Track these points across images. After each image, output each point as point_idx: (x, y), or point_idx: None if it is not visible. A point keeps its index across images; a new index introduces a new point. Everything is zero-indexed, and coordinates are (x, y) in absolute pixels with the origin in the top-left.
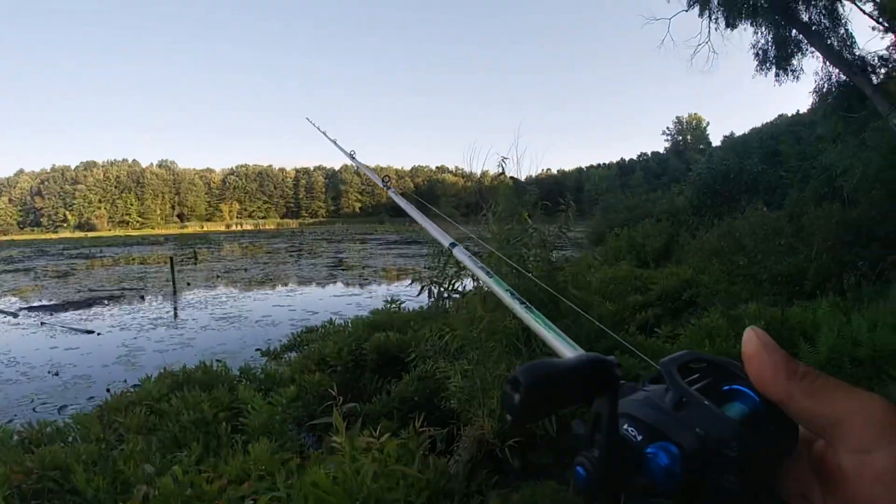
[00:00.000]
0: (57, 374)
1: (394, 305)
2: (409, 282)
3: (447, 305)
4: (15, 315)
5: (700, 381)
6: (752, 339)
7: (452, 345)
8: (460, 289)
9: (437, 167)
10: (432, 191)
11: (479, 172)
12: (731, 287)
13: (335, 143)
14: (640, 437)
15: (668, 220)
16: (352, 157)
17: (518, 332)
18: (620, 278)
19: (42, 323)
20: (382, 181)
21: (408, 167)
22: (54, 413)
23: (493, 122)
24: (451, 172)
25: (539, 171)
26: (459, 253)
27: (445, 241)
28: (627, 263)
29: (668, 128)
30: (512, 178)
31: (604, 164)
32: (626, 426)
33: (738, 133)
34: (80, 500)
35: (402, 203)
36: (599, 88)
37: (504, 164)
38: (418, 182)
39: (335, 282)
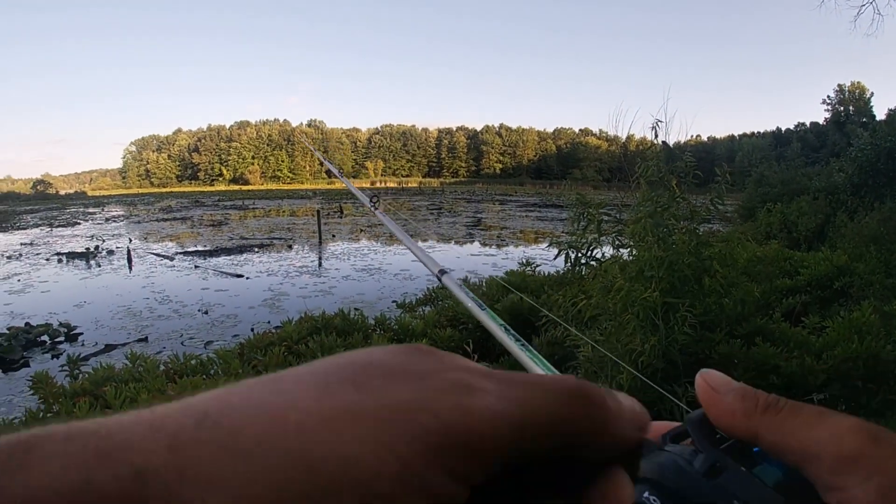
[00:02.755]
0: (206, 313)
1: (529, 268)
2: (546, 245)
3: (583, 272)
4: (171, 258)
5: (727, 439)
6: (700, 383)
7: (586, 313)
8: (599, 256)
9: (580, 129)
10: (574, 154)
11: (624, 136)
12: (888, 280)
13: (324, 160)
14: None
15: (825, 198)
16: (339, 174)
17: (657, 306)
18: (769, 259)
19: (196, 266)
20: (370, 201)
21: (550, 129)
22: (200, 348)
23: (640, 84)
24: (594, 135)
25: (688, 137)
26: (448, 281)
27: (434, 267)
28: (777, 243)
29: (828, 97)
30: (664, 142)
31: (758, 132)
32: (646, 494)
33: None
34: None
35: (391, 225)
36: (755, 50)
37: (657, 127)
38: (560, 144)
39: (473, 241)
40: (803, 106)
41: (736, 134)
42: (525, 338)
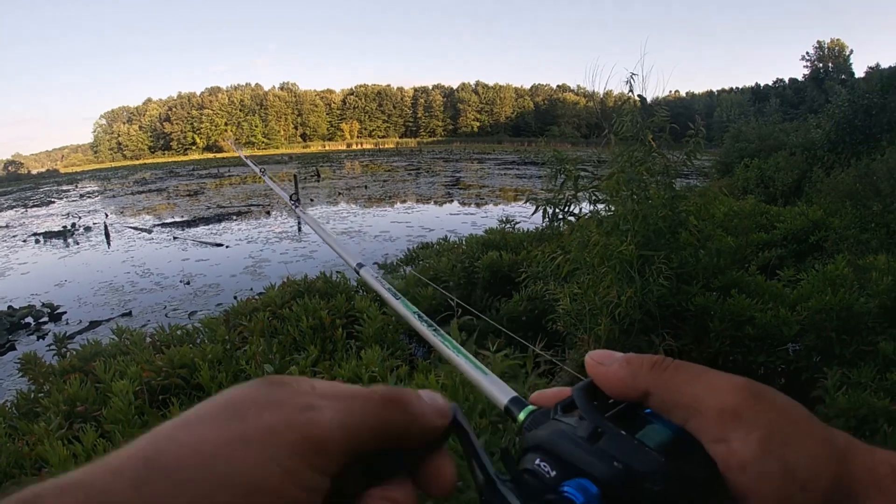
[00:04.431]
0: (188, 284)
1: (508, 225)
2: (525, 202)
3: (561, 228)
4: (149, 231)
5: (617, 405)
6: (588, 361)
7: (564, 268)
8: (576, 212)
9: (557, 86)
10: (552, 110)
11: (601, 92)
12: (862, 235)
13: (245, 159)
14: (553, 473)
15: (802, 154)
16: (262, 172)
17: (633, 259)
18: (746, 213)
19: (174, 238)
20: (290, 198)
21: (527, 86)
22: (184, 318)
23: (620, 40)
24: (572, 91)
25: (666, 93)
26: (366, 274)
27: (353, 260)
28: (754, 198)
29: (807, 53)
30: (640, 97)
31: (736, 88)
32: (537, 461)
33: (885, 65)
34: (204, 395)
35: (311, 223)
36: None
37: (632, 81)
38: (538, 101)
39: (451, 200)
40: (782, 63)
41: (714, 90)
42: (506, 294)
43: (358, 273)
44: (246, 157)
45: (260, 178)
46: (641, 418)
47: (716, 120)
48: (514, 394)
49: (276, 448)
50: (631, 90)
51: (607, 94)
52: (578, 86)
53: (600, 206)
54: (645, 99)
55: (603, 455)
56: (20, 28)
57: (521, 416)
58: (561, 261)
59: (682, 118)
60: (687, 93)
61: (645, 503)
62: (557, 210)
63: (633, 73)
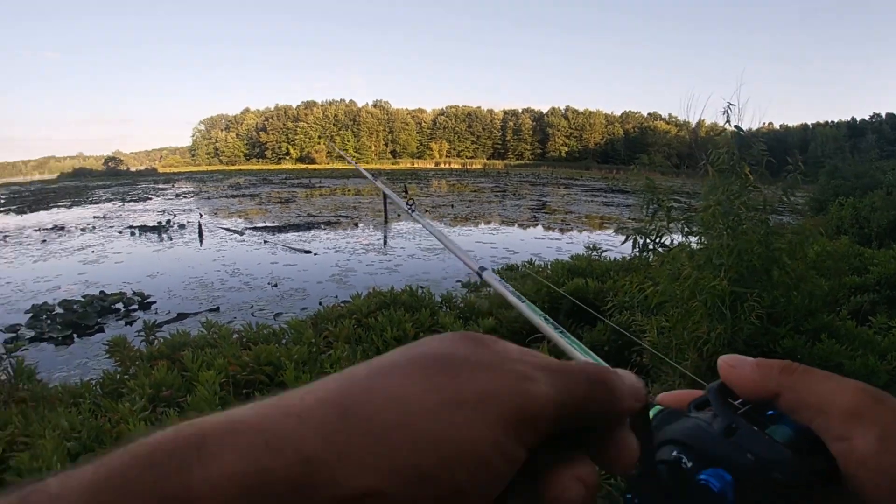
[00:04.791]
0: (275, 286)
1: (595, 252)
2: (613, 231)
3: (650, 258)
4: (241, 233)
5: (745, 405)
6: (721, 364)
7: (653, 299)
8: (667, 242)
9: (649, 113)
10: (643, 138)
11: (694, 122)
12: None
13: (357, 167)
14: (690, 464)
15: None
16: (375, 178)
17: (725, 295)
18: (839, 254)
19: (265, 241)
20: (406, 203)
21: (618, 112)
22: (270, 318)
23: (714, 68)
24: (663, 120)
25: (760, 125)
26: (489, 277)
27: (474, 265)
28: (848, 238)
29: None
30: (736, 127)
31: (832, 122)
32: (675, 452)
33: None
34: None
35: (428, 227)
36: (831, 37)
37: (729, 112)
38: (628, 128)
39: (537, 224)
40: (880, 96)
41: (809, 123)
42: (590, 322)
43: (480, 276)
44: (363, 168)
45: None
46: (768, 417)
47: (810, 155)
48: None
49: (491, 415)
50: (728, 120)
51: (700, 123)
52: (670, 114)
53: (692, 239)
54: (742, 130)
55: (737, 448)
56: (130, 32)
57: (650, 414)
58: (650, 292)
59: (776, 151)
60: (781, 125)
61: (772, 490)
62: (648, 240)
63: (731, 104)
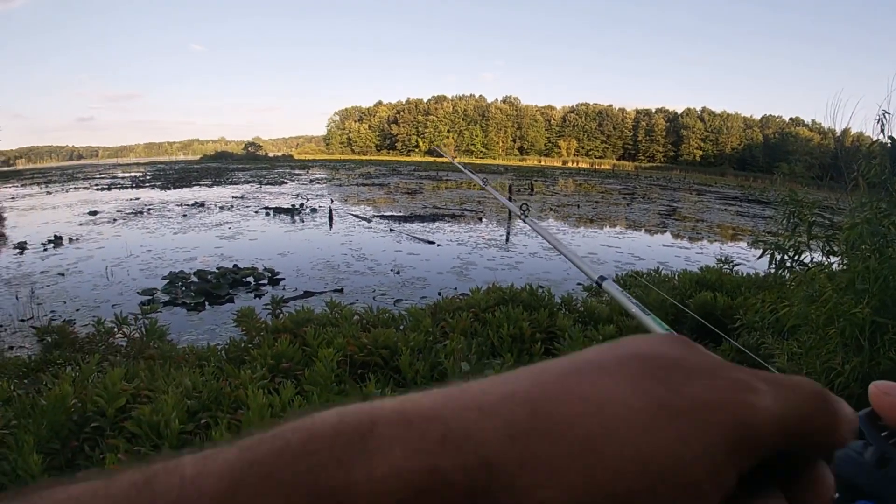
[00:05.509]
0: (398, 273)
1: (726, 266)
2: (746, 243)
3: (786, 277)
4: (368, 220)
5: (894, 435)
6: (873, 390)
7: (786, 322)
8: (806, 261)
9: (790, 118)
10: (783, 145)
11: (840, 129)
12: None
13: (464, 168)
14: (838, 496)
15: None
16: (485, 183)
17: (865, 324)
18: None
19: (391, 229)
20: (520, 209)
21: (757, 116)
22: (390, 304)
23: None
24: (806, 126)
25: None
26: (610, 287)
27: (594, 273)
28: None
29: None
30: (891, 138)
31: None
32: None
33: None
34: (400, 378)
35: (544, 235)
36: None
37: (884, 119)
38: (767, 133)
39: (665, 231)
40: None
41: None
42: (714, 341)
43: (600, 286)
44: (459, 164)
45: (481, 186)
46: None
47: None
48: None
49: (709, 429)
50: (882, 129)
51: (846, 131)
52: (813, 120)
53: (834, 259)
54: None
55: (891, 480)
56: (278, 30)
57: None
58: (784, 314)
59: None
60: None
61: None
62: (785, 256)
63: (885, 111)
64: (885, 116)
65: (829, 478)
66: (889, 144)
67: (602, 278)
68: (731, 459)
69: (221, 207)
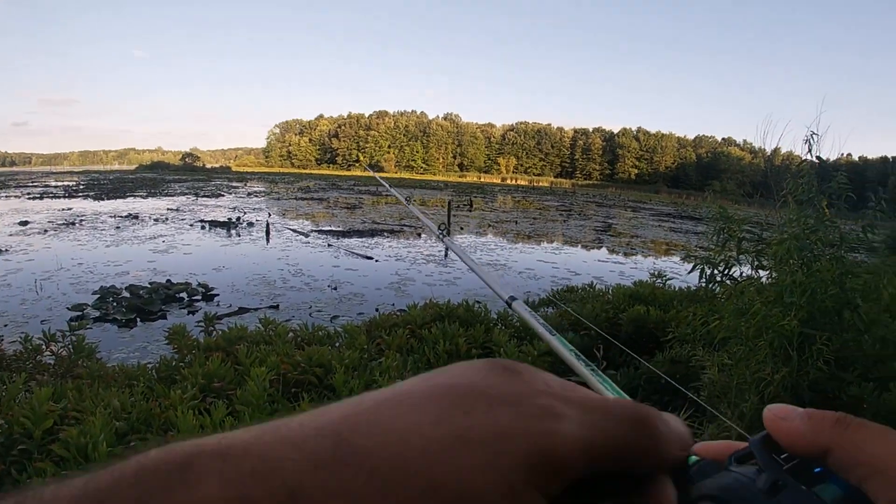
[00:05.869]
0: (335, 289)
1: (659, 280)
2: (679, 258)
3: (717, 290)
4: (306, 235)
5: (790, 460)
6: (767, 414)
7: (716, 334)
8: (736, 275)
9: (723, 139)
10: (715, 164)
11: (770, 149)
12: None
13: (390, 188)
14: None
15: None
16: (408, 202)
17: (793, 336)
18: None
19: (329, 244)
20: (438, 229)
21: (691, 136)
22: (326, 321)
23: (792, 94)
24: (737, 146)
25: (839, 156)
26: (519, 307)
27: (504, 293)
28: None
29: None
30: (818, 158)
31: None
32: None
33: None
34: (335, 396)
35: (460, 255)
36: None
37: (811, 140)
38: (700, 153)
39: (601, 246)
40: None
41: (890, 156)
42: (648, 352)
43: (510, 306)
44: (388, 179)
45: (407, 207)
46: (815, 475)
47: (890, 189)
48: None
49: (505, 458)
50: (809, 150)
51: (776, 151)
52: (745, 140)
53: (763, 273)
54: (823, 161)
55: None
56: (215, 36)
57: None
58: (714, 326)
59: (854, 185)
60: (860, 157)
61: None
62: (716, 271)
63: (813, 133)
64: (812, 137)
65: (668, 492)
66: (817, 163)
67: (512, 298)
68: (532, 484)
69: (156, 220)
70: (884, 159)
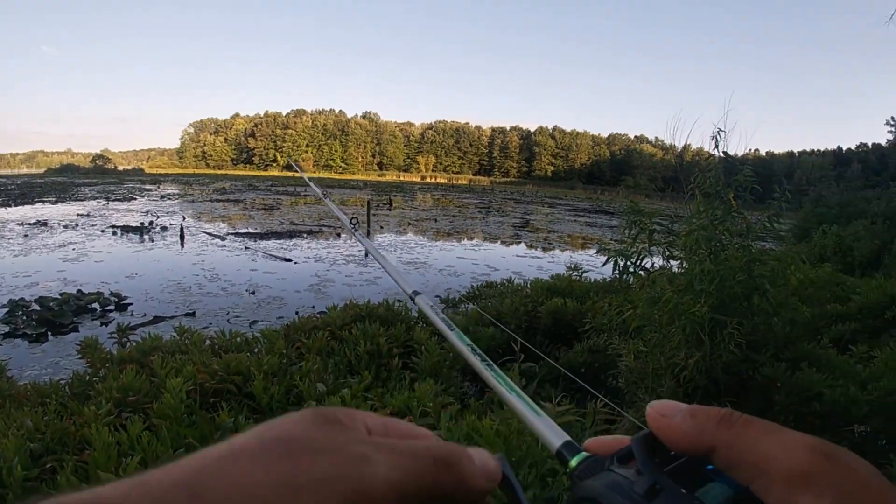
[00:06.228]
0: (253, 293)
1: (575, 273)
2: (594, 251)
3: (631, 281)
4: (222, 238)
5: (677, 458)
6: (650, 412)
7: (631, 323)
8: (648, 266)
9: (635, 136)
10: (629, 160)
11: (680, 146)
12: None
13: (310, 182)
14: None
15: (883, 223)
16: (325, 196)
17: (704, 321)
18: (821, 282)
19: (246, 247)
20: (350, 222)
21: (605, 134)
22: (245, 326)
23: (701, 94)
24: (650, 143)
25: (746, 151)
26: (421, 302)
27: (409, 287)
28: (831, 266)
29: (892, 118)
30: (725, 153)
31: (818, 150)
32: None
33: None
34: (255, 404)
35: (368, 247)
36: (819, 65)
37: (718, 137)
38: (614, 150)
39: (519, 242)
40: (866, 126)
41: (795, 151)
42: (567, 343)
43: (413, 300)
44: (309, 178)
45: (323, 200)
46: (702, 475)
47: (795, 182)
48: (568, 438)
49: (328, 501)
50: (716, 146)
51: (685, 147)
52: (656, 138)
53: (674, 263)
54: (730, 156)
55: None
56: (126, 32)
57: (574, 462)
58: (629, 315)
59: (761, 178)
60: (767, 152)
61: None
62: (629, 262)
63: (720, 129)
64: (720, 134)
65: None
66: (724, 158)
67: (416, 293)
68: None
69: (66, 226)
70: (790, 154)
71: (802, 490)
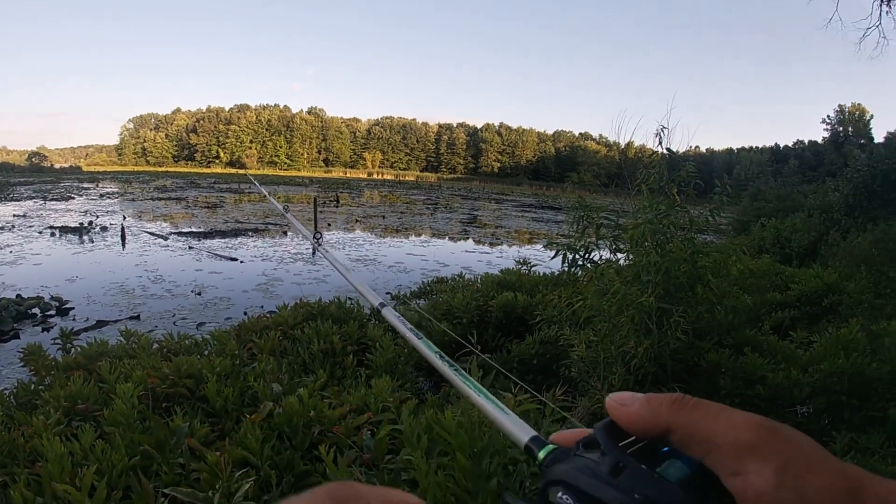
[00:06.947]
0: (199, 294)
1: (524, 267)
2: (542, 245)
3: (579, 273)
4: (165, 238)
5: (637, 442)
6: (609, 402)
7: (581, 314)
8: (595, 258)
9: (580, 133)
10: (573, 157)
11: (624, 143)
12: (876, 300)
13: (268, 196)
14: None
15: (819, 216)
16: (286, 210)
17: (651, 311)
18: (761, 272)
19: (190, 247)
20: (313, 236)
21: (550, 131)
22: (193, 328)
23: (644, 92)
24: (594, 140)
25: (688, 148)
26: (388, 314)
27: (375, 300)
28: (770, 257)
29: (828, 116)
30: (668, 149)
31: (756, 147)
32: (559, 494)
33: None
34: (209, 408)
35: (332, 262)
36: (757, 65)
37: (663, 134)
38: (559, 147)
39: (468, 238)
40: (803, 124)
41: (735, 147)
42: (518, 336)
43: (380, 312)
44: (254, 176)
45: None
46: (661, 455)
47: (735, 177)
48: (535, 433)
49: None
50: (660, 143)
51: (629, 144)
52: (601, 135)
53: (620, 256)
54: (673, 152)
55: (624, 488)
56: (61, 21)
57: (542, 454)
58: (578, 307)
59: (702, 174)
60: (707, 149)
61: None
62: (577, 256)
63: (664, 127)
64: (663, 131)
65: None
66: (667, 155)
67: (382, 305)
68: None
69: (2, 228)
70: (729, 150)
71: (750, 460)
